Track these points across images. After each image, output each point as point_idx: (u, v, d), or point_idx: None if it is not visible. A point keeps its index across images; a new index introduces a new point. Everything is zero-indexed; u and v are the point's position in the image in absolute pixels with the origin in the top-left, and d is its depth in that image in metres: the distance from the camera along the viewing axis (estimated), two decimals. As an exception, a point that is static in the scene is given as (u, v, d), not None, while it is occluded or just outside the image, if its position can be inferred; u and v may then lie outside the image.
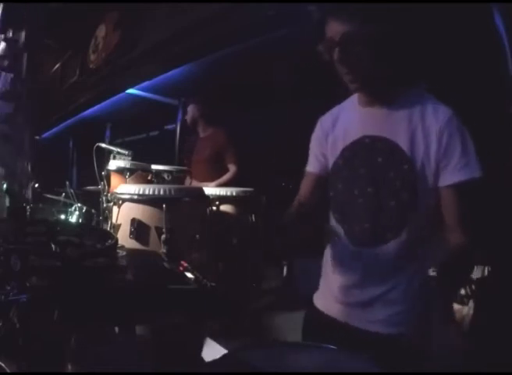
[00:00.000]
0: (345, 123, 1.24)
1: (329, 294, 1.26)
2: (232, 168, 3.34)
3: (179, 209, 1.92)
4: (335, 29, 1.07)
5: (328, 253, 1.30)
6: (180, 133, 4.90)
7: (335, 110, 1.30)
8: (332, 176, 1.25)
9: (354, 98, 1.24)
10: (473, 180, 1.05)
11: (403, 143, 1.10)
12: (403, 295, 1.13)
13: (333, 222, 1.25)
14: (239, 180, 3.32)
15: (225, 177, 3.31)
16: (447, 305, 1.15)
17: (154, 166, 2.77)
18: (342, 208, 1.21)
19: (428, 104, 1.11)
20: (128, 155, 2.64)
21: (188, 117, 3.51)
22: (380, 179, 1.12)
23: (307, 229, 1.26)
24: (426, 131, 1.09)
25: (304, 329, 1.34)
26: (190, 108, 3.50)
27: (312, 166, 1.31)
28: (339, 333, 1.16)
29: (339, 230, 1.22)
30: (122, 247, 1.49)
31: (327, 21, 1.09)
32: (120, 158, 2.65)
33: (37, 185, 3.05)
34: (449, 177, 1.07)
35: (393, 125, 1.12)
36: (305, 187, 1.31)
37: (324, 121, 1.31)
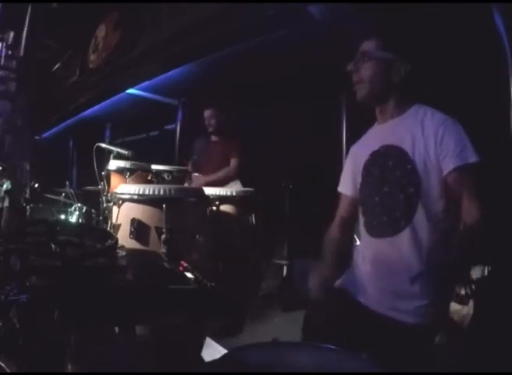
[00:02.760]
0: (367, 141, 1.51)
1: (357, 281, 1.42)
2: (233, 162, 3.33)
3: (179, 209, 1.92)
4: (361, 46, 1.39)
5: (358, 248, 1.50)
6: (180, 133, 4.89)
7: (362, 138, 1.56)
8: (360, 185, 1.48)
9: (376, 122, 1.51)
10: (469, 165, 1.23)
11: (407, 147, 1.33)
12: (427, 288, 1.26)
13: (360, 220, 1.48)
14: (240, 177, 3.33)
15: (224, 170, 3.31)
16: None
17: (154, 166, 2.77)
18: (365, 208, 1.45)
19: (427, 112, 1.35)
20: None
21: (213, 121, 3.44)
22: (391, 178, 1.35)
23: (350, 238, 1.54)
24: (426, 133, 1.31)
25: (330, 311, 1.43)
26: (213, 114, 3.44)
27: (345, 189, 1.56)
28: (363, 316, 1.32)
29: (363, 226, 1.44)
30: (122, 247, 1.49)
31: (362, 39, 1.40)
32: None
33: (37, 185, 3.05)
34: (448, 164, 1.26)
35: (400, 134, 1.36)
36: (343, 207, 1.56)
37: (353, 149, 1.58)
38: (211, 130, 3.48)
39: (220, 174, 3.31)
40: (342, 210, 1.56)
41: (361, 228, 1.46)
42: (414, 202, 1.29)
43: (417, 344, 1.22)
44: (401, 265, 1.30)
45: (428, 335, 1.25)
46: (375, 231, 1.38)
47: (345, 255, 1.46)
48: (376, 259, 1.36)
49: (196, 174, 3.46)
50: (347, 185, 1.55)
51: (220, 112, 3.46)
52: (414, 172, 1.30)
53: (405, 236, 1.30)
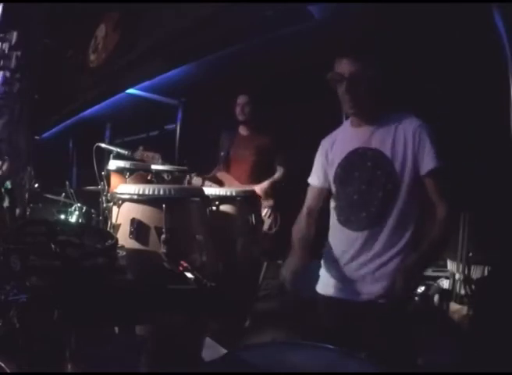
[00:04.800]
0: (341, 142, 1.62)
1: (329, 278, 1.57)
2: (280, 170, 3.14)
3: (179, 209, 1.92)
4: (344, 66, 1.46)
5: (327, 245, 1.61)
6: (180, 133, 4.89)
7: (333, 134, 1.69)
8: (334, 182, 1.59)
9: (347, 122, 1.64)
10: (441, 168, 1.41)
11: (387, 150, 1.47)
12: (395, 270, 1.43)
13: (334, 216, 1.60)
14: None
15: (275, 177, 3.11)
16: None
17: (154, 166, 2.77)
18: (341, 204, 1.57)
19: (403, 118, 1.50)
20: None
21: (248, 109, 3.15)
22: (370, 177, 1.48)
23: (316, 228, 1.64)
24: (404, 136, 1.46)
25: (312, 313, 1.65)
26: (249, 101, 3.16)
27: (314, 181, 1.68)
28: (341, 308, 1.50)
29: (339, 221, 1.56)
30: (122, 247, 1.49)
31: (338, 58, 1.48)
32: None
33: (37, 185, 3.05)
34: (426, 166, 1.43)
35: (379, 138, 1.50)
36: (311, 197, 1.69)
37: (324, 143, 1.69)
38: (243, 119, 3.19)
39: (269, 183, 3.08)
40: (309, 200, 1.68)
41: (336, 223, 1.57)
42: (392, 199, 1.45)
43: (390, 318, 1.40)
44: (377, 252, 1.47)
45: (397, 309, 1.43)
46: (353, 226, 1.51)
47: (313, 244, 1.59)
48: (355, 250, 1.50)
49: (225, 174, 3.24)
50: (316, 177, 1.68)
51: (256, 100, 3.19)
52: (393, 172, 1.45)
53: (382, 229, 1.46)
